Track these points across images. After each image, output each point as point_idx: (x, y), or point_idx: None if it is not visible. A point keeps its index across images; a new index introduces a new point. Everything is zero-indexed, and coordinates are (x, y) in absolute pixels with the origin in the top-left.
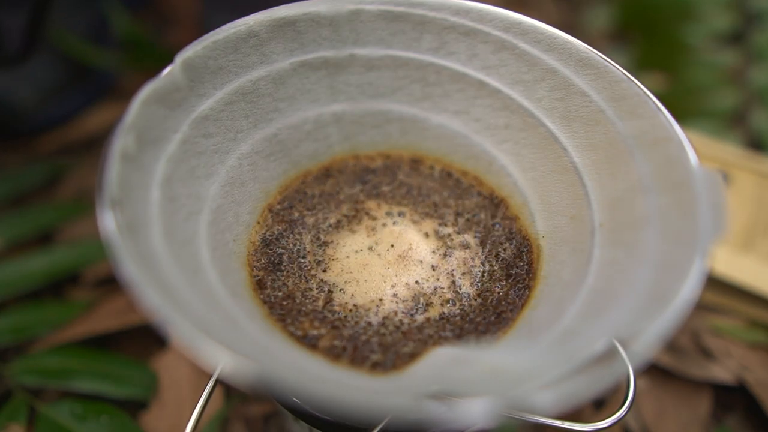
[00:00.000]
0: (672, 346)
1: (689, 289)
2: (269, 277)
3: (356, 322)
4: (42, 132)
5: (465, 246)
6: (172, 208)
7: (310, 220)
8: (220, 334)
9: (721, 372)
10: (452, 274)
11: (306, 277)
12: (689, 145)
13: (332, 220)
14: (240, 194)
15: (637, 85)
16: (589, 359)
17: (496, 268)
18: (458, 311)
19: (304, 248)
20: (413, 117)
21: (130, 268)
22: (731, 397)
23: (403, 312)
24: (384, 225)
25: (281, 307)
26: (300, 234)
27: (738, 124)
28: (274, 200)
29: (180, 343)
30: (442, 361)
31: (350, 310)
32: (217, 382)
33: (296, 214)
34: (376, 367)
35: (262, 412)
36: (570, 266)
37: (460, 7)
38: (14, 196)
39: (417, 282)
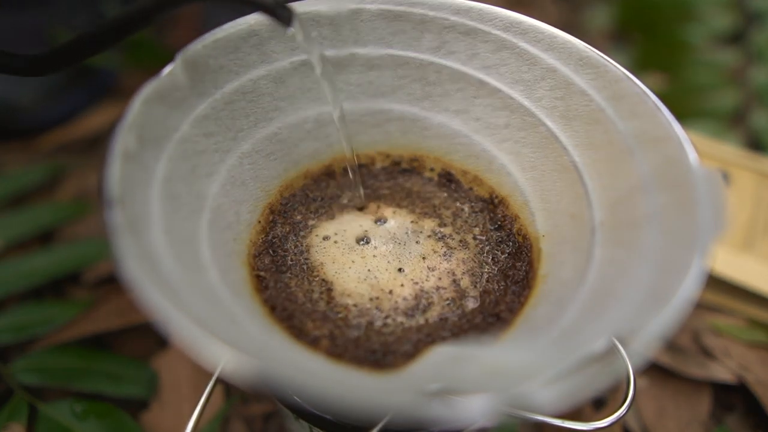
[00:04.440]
0: (672, 345)
1: (689, 287)
2: (270, 277)
3: (357, 322)
4: (42, 132)
5: (465, 246)
6: (173, 207)
7: (310, 220)
8: (222, 332)
9: (721, 371)
10: (452, 275)
11: (307, 277)
12: (689, 144)
13: (333, 221)
14: (241, 193)
15: (637, 84)
16: (589, 358)
17: (496, 267)
18: (458, 311)
19: (305, 248)
20: (413, 116)
21: (131, 266)
22: (731, 396)
23: (403, 312)
24: (384, 225)
25: (282, 307)
26: (301, 234)
27: (738, 123)
28: (275, 199)
29: (181, 342)
30: (441, 359)
31: (351, 310)
32: (218, 381)
33: (297, 215)
34: (377, 365)
35: (262, 412)
36: (570, 265)
37: (460, 6)
38: (14, 196)
39: (417, 283)
